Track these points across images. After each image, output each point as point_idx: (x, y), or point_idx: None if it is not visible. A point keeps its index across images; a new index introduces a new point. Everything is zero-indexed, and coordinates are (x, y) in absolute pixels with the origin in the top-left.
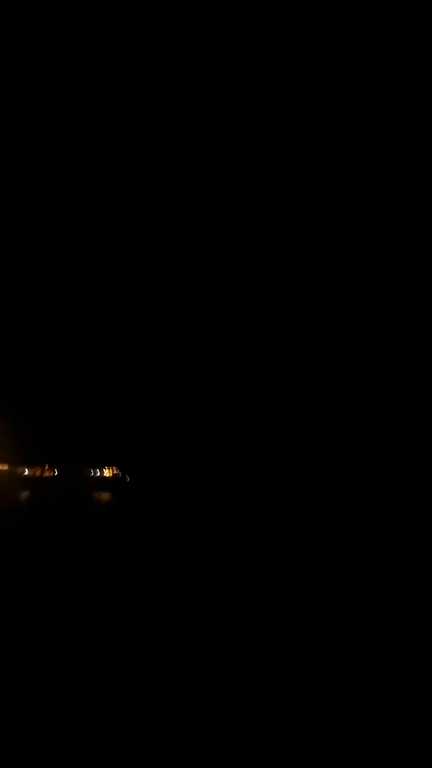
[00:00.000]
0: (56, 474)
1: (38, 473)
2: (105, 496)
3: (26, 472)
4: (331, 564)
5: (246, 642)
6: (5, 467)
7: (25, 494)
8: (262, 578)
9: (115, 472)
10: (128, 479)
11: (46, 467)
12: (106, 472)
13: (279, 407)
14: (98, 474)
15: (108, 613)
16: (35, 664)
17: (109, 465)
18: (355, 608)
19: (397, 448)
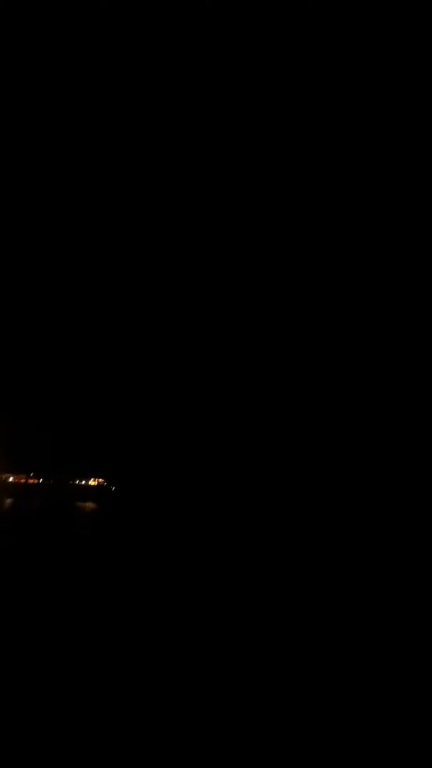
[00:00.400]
0: (40, 482)
1: (22, 481)
2: (89, 505)
3: (10, 479)
4: (331, 567)
5: (243, 649)
6: None
7: (8, 501)
8: (256, 590)
9: (100, 481)
10: (113, 489)
11: (31, 475)
12: (91, 482)
13: (271, 416)
14: (83, 483)
15: (91, 619)
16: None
17: (95, 474)
18: (355, 608)
19: (397, 448)
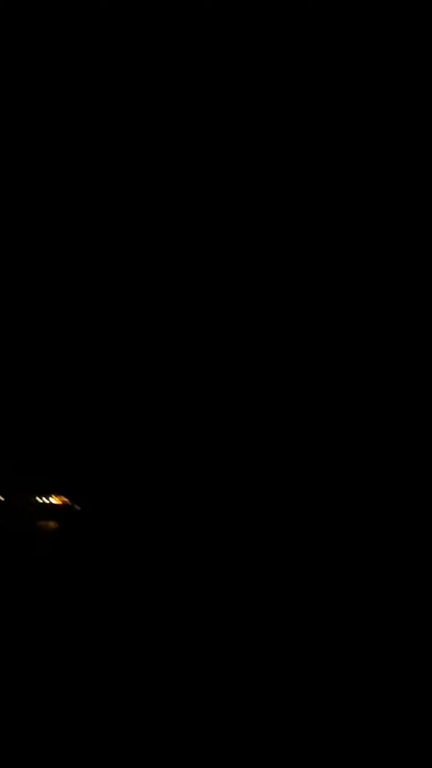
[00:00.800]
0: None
1: None
2: (52, 524)
3: None
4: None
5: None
6: None
7: None
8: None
9: (64, 500)
10: (79, 508)
11: None
12: (54, 500)
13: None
14: (46, 501)
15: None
16: None
17: (58, 492)
18: (355, 609)
19: (397, 449)
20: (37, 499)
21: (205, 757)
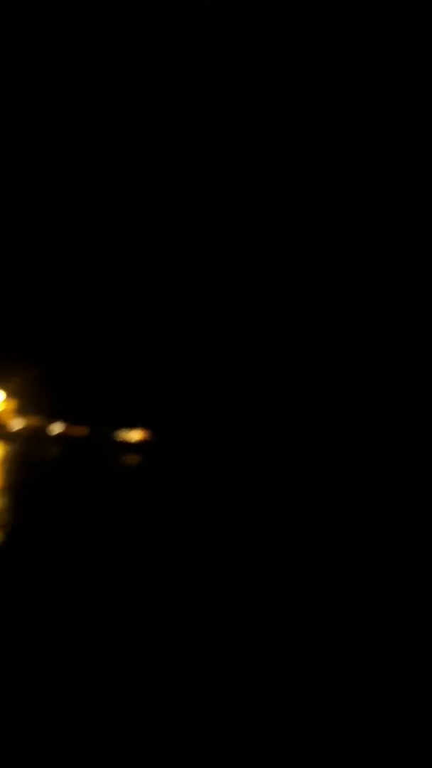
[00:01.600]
0: (87, 434)
1: (67, 431)
2: (133, 458)
3: (58, 429)
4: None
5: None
6: (36, 422)
7: (54, 452)
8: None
9: (144, 433)
10: (156, 443)
11: (72, 425)
12: (134, 435)
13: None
14: (125, 436)
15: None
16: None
17: (137, 426)
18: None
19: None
20: (120, 433)
21: (204, 753)
